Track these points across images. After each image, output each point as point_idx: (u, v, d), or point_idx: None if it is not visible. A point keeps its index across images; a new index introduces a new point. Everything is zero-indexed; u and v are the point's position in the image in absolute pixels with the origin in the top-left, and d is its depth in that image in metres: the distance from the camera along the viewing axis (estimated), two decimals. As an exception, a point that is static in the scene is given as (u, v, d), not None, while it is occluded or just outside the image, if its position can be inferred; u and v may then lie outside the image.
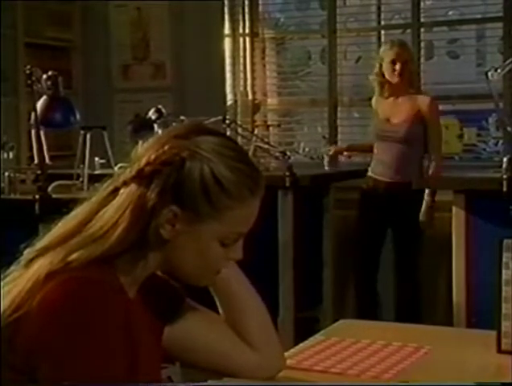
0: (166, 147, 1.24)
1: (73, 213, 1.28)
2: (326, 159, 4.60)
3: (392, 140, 4.24)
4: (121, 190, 1.25)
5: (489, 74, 3.84)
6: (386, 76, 4.24)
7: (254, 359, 1.45)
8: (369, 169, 4.35)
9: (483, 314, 3.54)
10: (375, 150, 4.34)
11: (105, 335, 1.14)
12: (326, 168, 4.60)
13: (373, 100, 4.42)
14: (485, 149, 5.22)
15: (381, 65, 4.25)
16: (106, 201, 1.26)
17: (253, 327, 1.46)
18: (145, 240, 1.24)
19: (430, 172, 4.17)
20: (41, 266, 1.20)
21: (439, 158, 4.24)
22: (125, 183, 1.25)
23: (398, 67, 4.20)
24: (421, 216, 4.18)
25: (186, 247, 1.26)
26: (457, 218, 3.72)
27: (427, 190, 4.17)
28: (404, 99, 4.26)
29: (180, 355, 1.44)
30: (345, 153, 4.81)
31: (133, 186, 1.24)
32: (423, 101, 4.23)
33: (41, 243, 1.25)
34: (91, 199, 1.28)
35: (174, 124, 4.85)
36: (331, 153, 4.61)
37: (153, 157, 1.24)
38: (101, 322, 1.14)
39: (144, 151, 1.27)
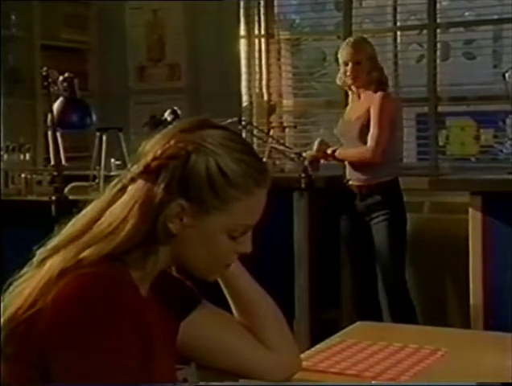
0: (172, 142, 1.26)
1: (83, 212, 1.29)
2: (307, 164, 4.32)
3: (350, 139, 4.12)
4: (129, 187, 1.26)
5: (507, 75, 3.82)
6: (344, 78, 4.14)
7: (270, 360, 1.45)
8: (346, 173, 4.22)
9: (500, 316, 3.53)
10: None
11: (118, 330, 1.14)
12: (310, 172, 4.33)
13: (349, 99, 4.31)
14: (501, 151, 5.19)
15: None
16: (115, 198, 1.27)
17: (269, 329, 1.47)
18: (154, 235, 1.25)
19: (355, 149, 4.04)
20: (53, 264, 1.21)
21: (370, 152, 3.99)
22: (133, 180, 1.26)
23: (349, 68, 4.07)
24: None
25: (194, 240, 1.27)
26: (474, 220, 3.70)
27: (342, 151, 4.11)
28: (365, 97, 4.11)
29: (195, 354, 1.44)
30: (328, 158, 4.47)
31: (140, 182, 1.25)
32: (375, 97, 4.05)
33: (52, 242, 1.26)
34: (100, 197, 1.29)
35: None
36: (307, 158, 4.32)
37: (159, 152, 1.25)
38: (113, 317, 1.14)
39: (150, 147, 1.28)
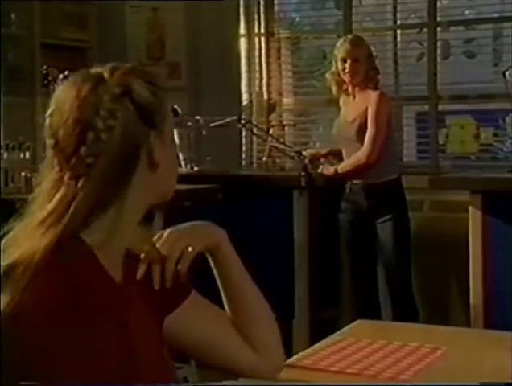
0: (105, 97, 1.23)
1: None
2: (307, 163, 4.34)
3: (348, 141, 4.08)
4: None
5: (507, 74, 3.82)
6: (341, 75, 4.09)
7: (252, 360, 1.46)
8: None
9: (500, 315, 3.54)
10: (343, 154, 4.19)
11: (92, 322, 1.17)
12: (309, 171, 4.33)
13: (340, 100, 4.27)
14: (501, 149, 5.19)
15: (336, 62, 4.11)
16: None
17: (257, 326, 1.48)
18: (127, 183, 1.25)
19: (351, 158, 4.02)
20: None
21: (363, 151, 3.97)
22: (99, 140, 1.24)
23: (348, 65, 4.03)
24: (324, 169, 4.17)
25: (166, 158, 1.30)
26: (474, 218, 3.70)
27: (342, 165, 4.07)
28: (360, 97, 4.08)
29: (182, 345, 1.44)
30: (327, 156, 4.48)
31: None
32: (372, 96, 4.02)
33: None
34: None
35: (189, 124, 4.86)
36: (307, 157, 4.35)
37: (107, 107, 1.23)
38: (87, 310, 1.17)
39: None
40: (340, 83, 4.13)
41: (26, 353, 1.11)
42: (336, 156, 4.28)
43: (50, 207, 1.22)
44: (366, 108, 4.01)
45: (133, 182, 1.25)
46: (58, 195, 1.22)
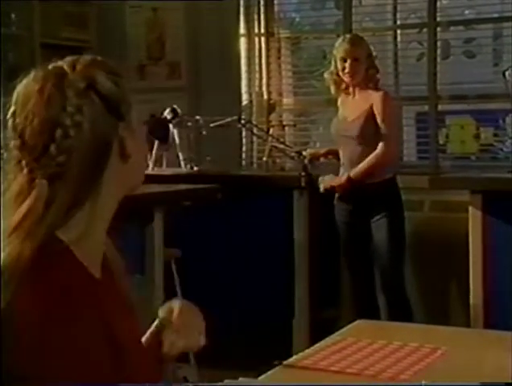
0: (70, 93, 1.21)
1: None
2: (307, 163, 4.31)
3: (348, 140, 4.02)
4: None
5: (507, 73, 3.82)
6: (340, 74, 4.05)
7: None
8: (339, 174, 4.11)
9: (500, 315, 3.54)
10: (339, 153, 4.14)
11: (78, 320, 1.17)
12: (309, 171, 4.30)
13: (339, 100, 4.22)
14: (501, 150, 5.19)
15: (336, 62, 4.07)
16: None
17: None
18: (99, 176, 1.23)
19: (366, 159, 3.93)
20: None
21: (379, 152, 3.93)
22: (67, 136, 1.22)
23: (347, 64, 4.00)
24: (330, 181, 4.02)
25: (137, 147, 1.29)
26: (474, 218, 3.71)
27: (354, 170, 3.95)
28: (360, 96, 4.05)
29: None
30: (327, 156, 4.44)
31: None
32: (375, 96, 3.99)
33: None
34: None
35: (189, 124, 4.86)
36: (307, 157, 4.31)
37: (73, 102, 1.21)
38: (72, 309, 1.17)
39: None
40: (338, 82, 4.10)
41: (20, 354, 1.11)
42: (335, 155, 4.25)
43: (23, 209, 1.18)
44: (368, 108, 3.98)
45: (105, 176, 1.24)
46: (31, 197, 1.19)
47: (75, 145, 1.20)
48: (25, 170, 1.20)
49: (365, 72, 4.04)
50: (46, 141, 1.19)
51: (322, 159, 4.39)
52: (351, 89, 4.10)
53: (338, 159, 4.18)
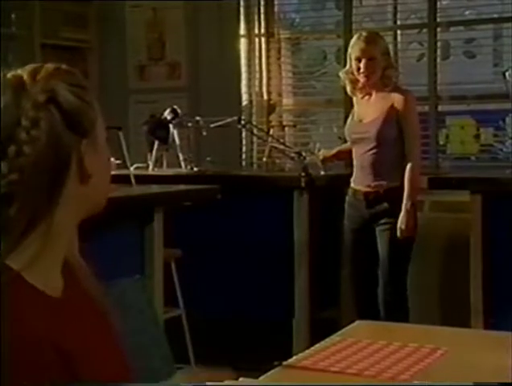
0: (27, 104, 1.13)
1: None
2: (319, 164, 4.27)
3: (364, 142, 3.83)
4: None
5: (507, 74, 3.82)
6: (355, 75, 3.84)
7: None
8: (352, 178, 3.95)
9: (500, 315, 3.53)
10: (353, 156, 3.95)
11: (33, 351, 1.06)
12: (322, 172, 4.30)
13: (354, 100, 3.99)
14: (501, 150, 5.19)
15: (351, 61, 3.85)
16: None
17: None
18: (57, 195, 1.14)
19: (406, 175, 3.76)
20: None
21: (415, 160, 3.80)
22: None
23: (362, 64, 3.78)
24: (399, 223, 3.74)
25: (99, 167, 1.20)
26: (474, 219, 3.70)
27: (405, 193, 3.74)
28: (378, 97, 3.84)
29: None
30: (339, 157, 4.32)
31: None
32: (397, 98, 3.79)
33: None
34: None
35: (189, 124, 4.86)
36: (320, 158, 4.23)
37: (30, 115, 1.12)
38: (26, 340, 1.06)
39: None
40: (354, 82, 3.88)
41: None
42: (346, 155, 4.13)
43: None
44: (388, 109, 3.79)
45: (63, 196, 1.14)
46: None
47: (29, 163, 1.10)
48: None
49: (382, 72, 3.83)
50: None
51: (335, 161, 4.30)
52: (364, 89, 3.89)
53: (350, 158, 4.03)
